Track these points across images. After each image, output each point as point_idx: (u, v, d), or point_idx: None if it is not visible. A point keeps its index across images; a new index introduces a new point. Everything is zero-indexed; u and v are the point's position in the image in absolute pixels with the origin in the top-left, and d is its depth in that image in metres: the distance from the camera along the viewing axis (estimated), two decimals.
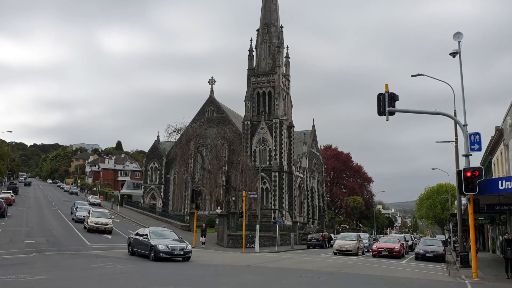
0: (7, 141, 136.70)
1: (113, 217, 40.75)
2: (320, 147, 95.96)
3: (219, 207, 53.79)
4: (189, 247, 24.49)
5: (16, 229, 37.71)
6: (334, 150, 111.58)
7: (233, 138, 60.08)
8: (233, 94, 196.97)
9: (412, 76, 28.17)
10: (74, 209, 50.05)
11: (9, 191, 73.28)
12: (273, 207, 65.88)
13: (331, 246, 45.99)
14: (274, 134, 67.80)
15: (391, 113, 19.76)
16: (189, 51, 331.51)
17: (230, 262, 25.67)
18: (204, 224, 41.20)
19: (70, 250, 27.73)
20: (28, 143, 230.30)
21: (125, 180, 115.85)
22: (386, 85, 19.95)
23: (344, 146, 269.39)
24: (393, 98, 19.69)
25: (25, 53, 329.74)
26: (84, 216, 43.09)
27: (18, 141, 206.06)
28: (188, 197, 62.47)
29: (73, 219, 46.97)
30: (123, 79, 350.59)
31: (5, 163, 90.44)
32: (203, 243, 38.51)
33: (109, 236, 37.68)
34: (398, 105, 20.05)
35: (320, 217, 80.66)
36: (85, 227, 38.78)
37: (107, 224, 38.47)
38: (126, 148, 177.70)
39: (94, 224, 37.77)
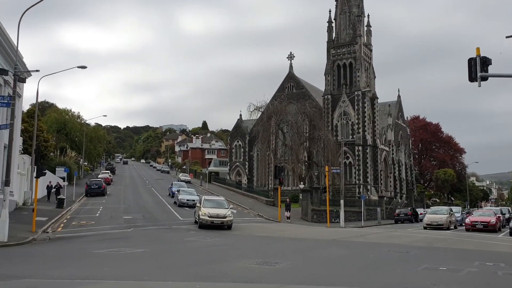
0: (103, 125, 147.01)
1: (231, 206, 31.26)
2: (407, 118, 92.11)
3: (301, 183, 54.00)
4: (229, 216, 27.44)
5: (115, 206, 40.82)
6: (421, 121, 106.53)
7: (313, 113, 59.59)
8: (312, 68, 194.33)
9: (506, 37, 25.96)
10: (176, 192, 45.99)
11: (107, 171, 79.21)
12: (357, 182, 64.82)
13: (421, 220, 44.51)
14: (356, 107, 66.20)
15: (484, 78, 18.42)
16: (265, 26, 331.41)
17: (316, 236, 25.85)
18: (288, 199, 41.70)
19: (164, 225, 29.51)
20: (121, 126, 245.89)
21: (211, 158, 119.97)
22: (478, 49, 18.57)
23: (433, 116, 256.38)
24: (485, 62, 18.31)
25: (110, 39, 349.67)
26: (187, 200, 40.91)
27: (113, 124, 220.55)
28: (271, 173, 63.34)
29: (175, 202, 43.44)
30: (204, 59, 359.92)
31: (102, 145, 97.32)
32: (288, 218, 39.06)
33: None
34: (492, 69, 18.63)
35: (408, 191, 78.01)
36: (196, 221, 28.76)
37: (224, 217, 27.01)
38: (211, 127, 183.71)
39: (207, 218, 26.75)
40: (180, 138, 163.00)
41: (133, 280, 10.77)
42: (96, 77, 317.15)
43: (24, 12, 22.53)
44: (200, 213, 27.23)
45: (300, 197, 47.10)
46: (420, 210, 55.30)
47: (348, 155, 64.50)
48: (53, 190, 43.06)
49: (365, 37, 70.30)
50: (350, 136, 65.87)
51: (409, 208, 53.42)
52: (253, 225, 32.19)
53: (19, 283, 10.30)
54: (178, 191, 45.44)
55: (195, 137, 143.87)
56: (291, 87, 74.77)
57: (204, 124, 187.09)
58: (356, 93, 66.06)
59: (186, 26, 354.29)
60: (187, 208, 40.32)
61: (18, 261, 15.04)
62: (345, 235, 26.82)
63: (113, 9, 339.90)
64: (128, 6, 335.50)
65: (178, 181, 65.95)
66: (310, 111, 59.06)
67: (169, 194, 51.05)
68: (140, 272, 12.18)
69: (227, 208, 28.08)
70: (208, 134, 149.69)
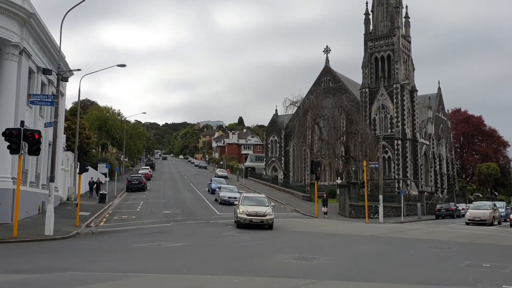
0: (142, 122, 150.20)
1: (273, 204, 28.22)
2: (448, 111, 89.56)
3: (339, 178, 53.53)
4: (269, 214, 24.86)
5: (155, 201, 41.71)
6: (463, 114, 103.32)
7: (350, 107, 58.89)
8: (348, 62, 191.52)
9: None
10: (217, 189, 44.51)
11: (147, 167, 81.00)
12: (396, 176, 63.62)
13: (462, 216, 43.27)
14: (395, 100, 64.91)
15: None
16: (301, 20, 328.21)
17: (354, 232, 25.58)
18: (325, 195, 41.42)
19: (203, 219, 29.93)
20: (160, 122, 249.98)
21: (248, 154, 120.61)
22: None
23: (475, 108, 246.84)
24: None
25: (147, 37, 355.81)
26: (229, 198, 39.21)
27: (152, 121, 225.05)
28: (307, 168, 63.08)
29: (216, 200, 42.17)
30: (239, 54, 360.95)
31: (142, 142, 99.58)
32: (325, 213, 38.81)
33: None
34: None
35: (449, 186, 75.98)
36: (235, 221, 25.74)
37: (264, 215, 24.43)
38: (247, 123, 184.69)
39: (245, 216, 24.37)
40: (217, 134, 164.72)
41: (172, 274, 11.00)
42: (134, 75, 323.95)
43: (66, 13, 23.29)
44: (238, 211, 24.97)
45: (337, 192, 46.72)
46: (462, 205, 53.77)
47: (386, 149, 63.39)
48: (94, 186, 44.45)
49: (403, 28, 68.73)
50: (389, 130, 64.67)
51: (450, 203, 52.05)
52: (290, 220, 32.18)
53: (64, 275, 10.70)
54: (220, 188, 43.56)
55: (231, 132, 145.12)
56: (327, 81, 74.04)
57: (240, 119, 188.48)
58: (394, 86, 64.75)
59: (222, 22, 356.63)
60: (227, 205, 40.84)
61: (63, 255, 15.63)
62: (384, 231, 26.41)
63: (150, 7, 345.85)
64: (165, 3, 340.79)
65: (216, 176, 66.62)
66: (347, 105, 58.38)
67: (208, 190, 50.84)
68: (180, 266, 12.42)
69: (267, 206, 25.47)
70: (244, 130, 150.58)
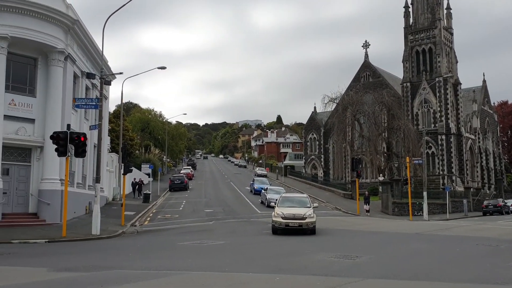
0: (183, 123, 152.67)
1: (315, 205, 24.23)
2: (494, 104, 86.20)
3: (381, 175, 52.51)
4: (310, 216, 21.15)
5: (197, 200, 42.35)
6: (510, 106, 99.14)
7: (391, 102, 57.59)
8: (388, 56, 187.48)
9: None
10: (263, 191, 41.49)
11: (189, 167, 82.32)
12: (440, 172, 61.84)
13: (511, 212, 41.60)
14: (437, 94, 63.07)
15: None
16: (337, 15, 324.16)
17: (397, 229, 25.08)
18: (367, 192, 40.79)
19: (243, 218, 30.14)
20: (200, 123, 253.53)
21: (287, 152, 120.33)
22: None
23: None
24: None
25: (185, 39, 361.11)
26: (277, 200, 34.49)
27: (192, 122, 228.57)
28: (348, 166, 62.27)
29: (262, 202, 39.82)
30: (276, 53, 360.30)
31: (183, 142, 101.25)
32: (367, 211, 38.21)
33: None
34: None
35: (497, 182, 73.11)
36: (273, 225, 21.23)
37: (303, 218, 20.62)
38: (286, 121, 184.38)
39: (281, 220, 20.68)
40: (255, 133, 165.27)
41: (215, 271, 11.15)
42: (173, 76, 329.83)
43: (108, 18, 23.96)
44: (273, 213, 21.71)
45: (380, 189, 45.88)
46: (510, 201, 51.66)
47: (430, 144, 61.73)
48: (137, 186, 45.59)
49: (445, 20, 66.66)
50: (432, 125, 62.93)
51: (498, 199, 50.11)
52: (331, 219, 31.91)
53: (111, 273, 11.05)
54: (266, 189, 40.23)
55: (270, 131, 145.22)
56: (367, 76, 72.83)
57: (279, 118, 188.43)
58: (437, 79, 62.93)
59: (258, 21, 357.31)
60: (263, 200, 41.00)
61: (110, 253, 16.13)
62: (428, 228, 25.75)
63: (187, 9, 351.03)
64: (202, 5, 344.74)
65: (256, 175, 66.84)
66: (388, 100, 57.15)
67: (251, 191, 49.57)
68: (222, 264, 12.57)
69: (308, 207, 21.82)
70: (283, 128, 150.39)
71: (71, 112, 26.87)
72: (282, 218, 20.76)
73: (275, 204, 23.08)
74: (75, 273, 10.96)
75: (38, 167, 24.82)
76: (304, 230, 20.62)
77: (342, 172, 67.96)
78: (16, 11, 23.52)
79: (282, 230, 20.82)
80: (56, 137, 19.67)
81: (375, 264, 12.67)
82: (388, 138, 57.19)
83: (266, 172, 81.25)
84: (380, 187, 45.64)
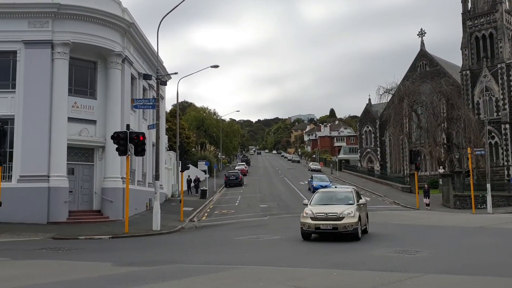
0: (237, 120, 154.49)
1: (363, 201, 18.82)
2: None
3: (441, 167, 50.60)
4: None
5: (252, 195, 42.76)
6: None
7: (450, 91, 55.25)
8: (445, 44, 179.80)
9: None
10: (310, 180, 45.22)
11: (243, 163, 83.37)
12: (505, 163, 58.66)
13: None
14: (500, 81, 59.80)
15: None
16: (390, 3, 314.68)
17: (459, 223, 24.13)
18: (426, 185, 39.49)
19: (298, 213, 29.80)
20: (253, 119, 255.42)
21: (341, 146, 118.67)
22: None
23: None
24: None
25: (236, 36, 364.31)
26: None
27: (245, 119, 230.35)
28: (405, 158, 60.52)
29: (309, 189, 43.21)
30: (327, 45, 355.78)
31: (237, 139, 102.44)
32: (427, 205, 37.00)
33: None
34: None
35: None
36: (302, 227, 16.89)
37: (339, 218, 16.06)
38: (339, 114, 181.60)
39: (310, 221, 16.43)
40: (308, 128, 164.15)
41: (272, 266, 11.24)
42: (226, 74, 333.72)
43: (162, 20, 24.65)
44: (301, 214, 17.24)
45: (440, 182, 44.32)
46: None
47: (493, 134, 58.72)
48: (192, 184, 46.56)
49: (507, 3, 63.02)
50: (495, 114, 59.77)
51: None
52: (389, 213, 31.20)
53: (172, 267, 11.42)
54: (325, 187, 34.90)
55: (323, 125, 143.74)
56: (424, 65, 70.32)
57: (332, 111, 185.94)
58: (499, 66, 59.66)
59: (308, 14, 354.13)
60: None
61: (170, 248, 16.65)
62: (493, 222, 24.58)
63: (237, 7, 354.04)
64: (252, 2, 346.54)
65: (309, 170, 66.49)
66: (447, 89, 54.90)
67: (309, 189, 45.52)
68: (278, 258, 12.65)
69: (350, 204, 17.03)
70: (336, 122, 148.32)
71: (129, 113, 27.90)
72: (312, 219, 16.40)
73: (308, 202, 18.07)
74: (137, 268, 11.43)
75: (101, 166, 26.00)
76: (341, 234, 16.05)
77: (399, 165, 66.11)
78: (76, 18, 24.70)
79: (311, 234, 16.73)
80: (117, 137, 20.49)
81: (436, 259, 12.28)
82: (448, 128, 54.95)
83: (320, 167, 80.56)
84: (441, 179, 44.07)
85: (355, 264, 11.53)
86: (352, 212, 16.23)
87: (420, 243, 15.60)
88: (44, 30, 24.18)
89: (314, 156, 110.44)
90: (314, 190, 38.05)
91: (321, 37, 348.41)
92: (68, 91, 24.66)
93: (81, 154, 25.74)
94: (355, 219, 16.12)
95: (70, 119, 24.68)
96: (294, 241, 17.13)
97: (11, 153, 23.10)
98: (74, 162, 25.20)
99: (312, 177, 48.52)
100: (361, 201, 18.16)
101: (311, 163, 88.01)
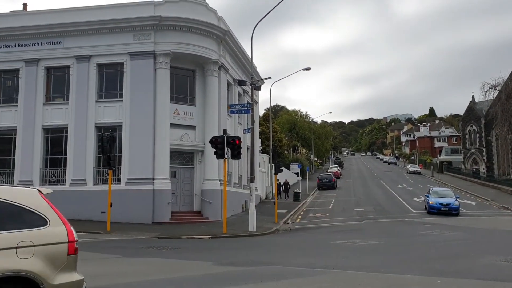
0: (328, 121, 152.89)
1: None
2: None
3: None
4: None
5: (346, 199, 42.02)
6: None
7: None
8: None
9: None
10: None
11: (336, 166, 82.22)
12: None
13: None
14: None
15: None
16: None
17: None
18: None
19: (396, 217, 29.00)
20: (346, 120, 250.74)
21: (442, 147, 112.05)
22: None
23: None
24: None
25: (326, 36, 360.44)
26: None
27: (337, 120, 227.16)
28: None
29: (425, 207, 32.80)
30: (422, 40, 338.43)
31: (329, 141, 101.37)
32: None
33: None
34: None
35: None
36: None
37: None
38: (439, 113, 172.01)
39: None
40: (405, 128, 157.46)
41: (370, 272, 10.98)
42: (315, 75, 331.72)
43: (255, 26, 25.24)
44: None
45: None
46: None
47: None
48: (282, 187, 46.71)
49: None
50: None
51: None
52: (497, 218, 28.90)
53: (269, 269, 11.63)
54: (446, 205, 29.86)
55: (421, 125, 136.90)
56: None
57: (431, 110, 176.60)
58: None
59: (401, 8, 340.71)
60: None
61: (266, 249, 16.95)
62: None
63: (327, 7, 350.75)
64: (341, 0, 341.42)
65: (407, 172, 63.73)
66: None
67: (425, 208, 32.71)
68: (376, 264, 12.32)
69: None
70: (436, 121, 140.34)
71: (226, 118, 28.93)
72: None
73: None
74: (237, 268, 11.80)
75: (200, 169, 27.24)
76: None
77: (508, 167, 60.92)
78: (176, 29, 26.16)
79: None
80: (214, 141, 21.34)
81: None
82: None
83: (419, 169, 76.93)
84: None
85: (460, 272, 10.88)
86: None
87: None
88: (147, 42, 25.95)
89: (412, 157, 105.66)
90: (431, 210, 30.42)
91: (416, 32, 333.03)
92: (169, 98, 26.17)
93: (182, 158, 27.16)
94: None
95: (172, 125, 26.15)
96: (394, 246, 16.58)
97: (119, 158, 25.02)
98: (176, 165, 26.67)
99: (429, 191, 33.57)
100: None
101: (409, 165, 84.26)
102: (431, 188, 35.34)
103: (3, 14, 28.43)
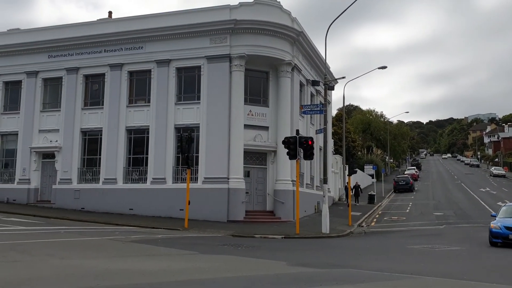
0: (405, 121, 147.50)
1: None
2: None
3: None
4: None
5: (424, 202, 40.41)
6: None
7: None
8: None
9: None
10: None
11: (413, 167, 79.23)
12: None
13: None
14: None
15: None
16: None
17: None
18: None
19: (479, 223, 27.42)
20: (424, 120, 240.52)
21: None
22: None
23: None
24: None
25: (399, 33, 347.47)
26: None
27: (415, 120, 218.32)
28: None
29: None
30: (504, 34, 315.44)
31: (406, 142, 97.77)
32: None
33: None
34: None
35: None
36: None
37: None
38: None
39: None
40: (489, 128, 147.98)
41: (452, 279, 10.51)
42: (389, 74, 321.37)
43: (329, 26, 24.99)
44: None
45: None
46: None
47: None
48: (352, 191, 45.57)
49: None
50: None
51: None
52: None
53: (344, 271, 11.51)
54: None
55: (507, 125, 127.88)
56: None
57: None
58: None
59: (479, 2, 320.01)
60: (501, 204, 36.52)
61: (340, 252, 16.76)
62: None
63: (399, 3, 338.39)
64: None
65: (491, 175, 59.87)
66: None
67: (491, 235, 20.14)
68: (458, 271, 11.77)
69: None
70: None
71: (298, 118, 28.95)
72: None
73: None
74: (310, 269, 11.79)
75: (273, 169, 27.49)
76: None
77: None
78: (250, 31, 26.60)
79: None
80: (287, 142, 21.45)
81: None
82: None
83: (504, 172, 72.22)
84: None
85: None
86: None
87: None
88: (223, 45, 26.62)
89: (496, 159, 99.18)
90: (493, 240, 18.25)
91: (496, 26, 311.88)
92: (243, 100, 26.68)
93: (255, 158, 27.56)
94: None
95: (246, 126, 26.62)
96: (477, 253, 15.74)
97: (197, 158, 25.89)
98: (249, 165, 27.11)
99: (501, 213, 20.19)
100: None
101: (493, 168, 79.19)
102: (502, 207, 21.22)
103: (91, 23, 30.49)
